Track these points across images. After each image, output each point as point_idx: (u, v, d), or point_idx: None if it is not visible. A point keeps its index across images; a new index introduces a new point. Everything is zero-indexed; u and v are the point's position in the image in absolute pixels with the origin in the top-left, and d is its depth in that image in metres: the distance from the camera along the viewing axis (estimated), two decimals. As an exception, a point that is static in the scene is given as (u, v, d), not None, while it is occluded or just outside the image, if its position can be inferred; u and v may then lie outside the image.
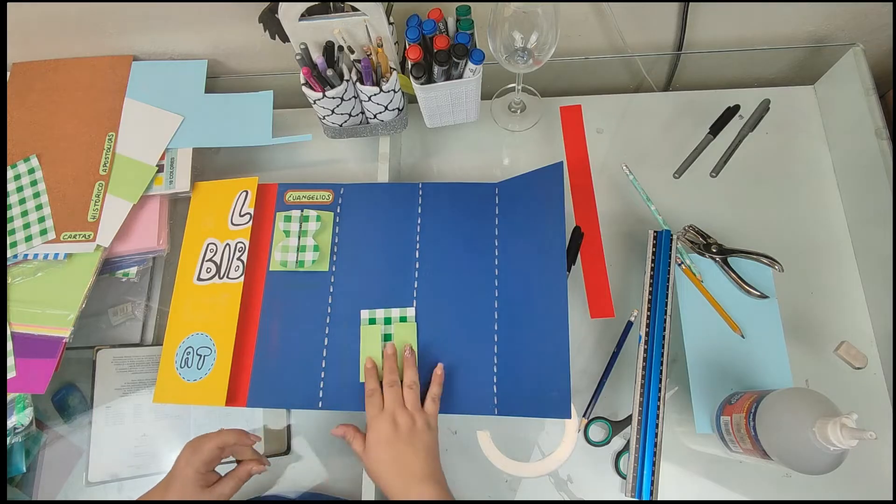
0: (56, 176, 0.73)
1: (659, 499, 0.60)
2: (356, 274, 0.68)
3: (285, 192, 0.72)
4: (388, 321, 0.65)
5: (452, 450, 0.66)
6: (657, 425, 0.61)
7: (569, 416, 0.58)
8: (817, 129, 0.76)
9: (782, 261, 0.65)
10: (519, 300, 0.64)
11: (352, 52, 0.64)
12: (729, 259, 0.67)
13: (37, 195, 0.72)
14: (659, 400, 0.61)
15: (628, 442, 0.62)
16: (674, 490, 0.62)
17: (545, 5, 0.58)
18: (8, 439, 0.64)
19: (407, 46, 0.62)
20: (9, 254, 0.69)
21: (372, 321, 0.64)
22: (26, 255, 0.69)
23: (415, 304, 0.66)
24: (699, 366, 0.64)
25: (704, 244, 0.68)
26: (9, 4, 0.71)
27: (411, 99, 0.71)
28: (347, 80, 0.65)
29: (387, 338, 0.64)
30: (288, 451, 0.67)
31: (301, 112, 0.81)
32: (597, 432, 0.65)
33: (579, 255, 0.71)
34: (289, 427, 0.68)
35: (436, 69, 0.63)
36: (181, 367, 0.65)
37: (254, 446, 0.61)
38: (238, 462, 0.62)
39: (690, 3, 0.72)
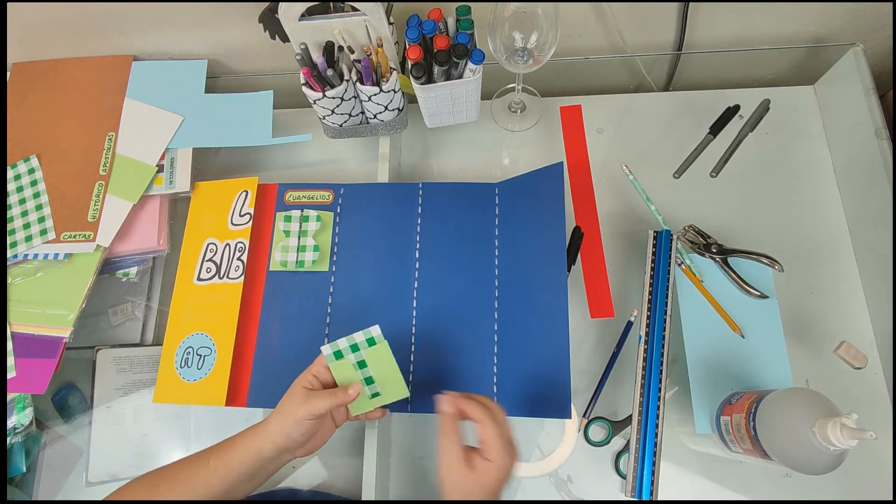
0: (56, 176, 0.73)
1: (659, 499, 0.60)
2: (356, 274, 0.68)
3: (285, 192, 0.72)
4: (354, 348, 0.55)
5: (452, 450, 0.66)
6: (657, 425, 0.61)
7: (569, 416, 0.58)
8: (817, 129, 0.76)
9: (782, 261, 0.65)
10: (519, 300, 0.64)
11: (352, 52, 0.64)
12: (729, 259, 0.67)
13: (37, 195, 0.72)
14: (659, 400, 0.61)
15: (628, 442, 0.62)
16: (674, 490, 0.62)
17: (545, 5, 0.58)
18: (8, 439, 0.64)
19: (407, 46, 0.62)
20: (9, 254, 0.69)
21: (338, 355, 0.55)
22: (26, 255, 0.69)
23: (413, 317, 0.66)
24: (699, 366, 0.64)
25: (704, 244, 0.68)
26: (9, 4, 0.71)
27: (411, 99, 0.71)
28: (347, 80, 0.65)
29: (361, 365, 0.55)
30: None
31: (301, 112, 0.81)
32: (597, 432, 0.65)
33: (579, 255, 0.71)
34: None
35: (436, 69, 0.63)
36: (181, 367, 0.65)
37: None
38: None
39: (690, 3, 0.72)
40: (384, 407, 0.57)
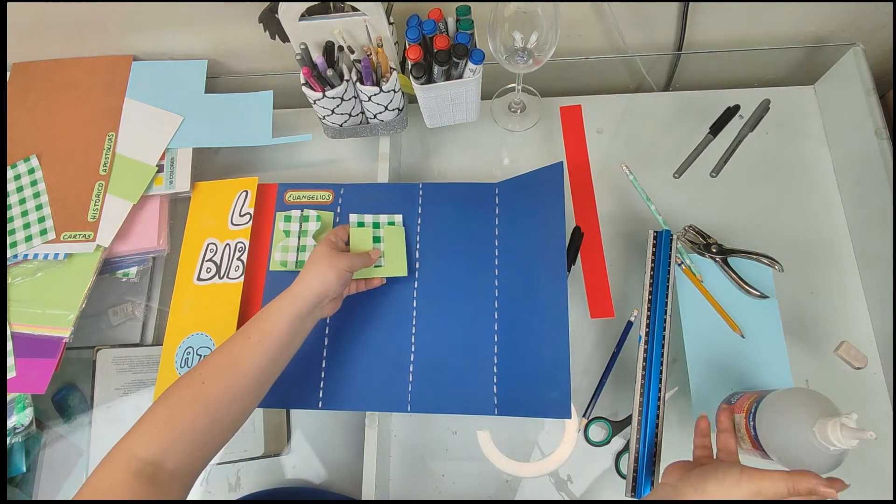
0: (56, 176, 0.73)
1: (659, 499, 0.60)
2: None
3: (285, 192, 0.72)
4: (376, 225, 0.68)
5: (452, 450, 0.66)
6: (657, 425, 0.61)
7: (569, 417, 0.58)
8: (817, 129, 0.76)
9: (782, 261, 0.65)
10: (519, 300, 0.64)
11: (352, 52, 0.64)
12: (729, 259, 0.67)
13: (37, 195, 0.72)
14: (659, 400, 0.61)
15: (628, 442, 0.62)
16: (674, 490, 0.62)
17: (545, 5, 0.58)
18: (8, 439, 0.64)
19: (407, 46, 0.62)
20: (9, 254, 0.69)
21: (360, 224, 0.67)
22: (26, 255, 0.69)
23: (413, 317, 0.66)
24: (699, 366, 0.64)
25: (704, 244, 0.68)
26: (9, 4, 0.71)
27: (411, 99, 0.71)
28: (347, 80, 0.65)
29: (376, 240, 0.66)
30: (288, 451, 0.67)
31: (301, 112, 0.81)
32: (597, 432, 0.65)
33: (579, 255, 0.71)
34: (289, 427, 0.68)
35: (436, 69, 0.63)
36: (181, 367, 0.65)
37: None
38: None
39: (690, 3, 0.72)
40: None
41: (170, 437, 0.47)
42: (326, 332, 0.66)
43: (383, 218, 0.68)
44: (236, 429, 0.52)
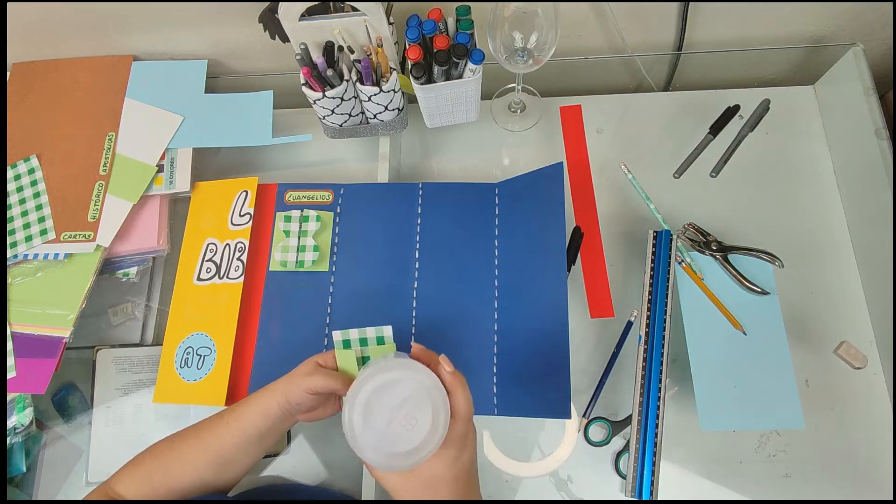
0: (56, 176, 0.73)
1: (659, 499, 0.60)
2: (356, 274, 0.68)
3: (285, 192, 0.73)
4: (363, 342, 0.55)
5: (452, 450, 0.66)
6: (657, 425, 0.61)
7: (569, 417, 0.58)
8: (817, 129, 0.76)
9: (782, 260, 0.65)
10: (519, 300, 0.64)
11: (352, 52, 0.64)
12: (729, 256, 0.67)
13: (37, 195, 0.72)
14: (659, 400, 0.61)
15: (628, 442, 0.62)
16: (674, 490, 0.62)
17: (545, 5, 0.58)
18: (8, 439, 0.64)
19: (407, 46, 0.62)
20: (9, 254, 0.69)
21: (346, 344, 0.55)
22: (26, 255, 0.69)
23: (413, 317, 0.66)
24: (702, 363, 0.64)
25: (704, 241, 0.68)
26: (9, 4, 0.71)
27: (411, 99, 0.71)
28: (347, 80, 0.65)
29: (363, 361, 0.55)
30: (288, 451, 0.67)
31: (301, 112, 0.81)
32: (597, 432, 0.65)
33: (579, 255, 0.71)
34: (289, 427, 0.68)
35: (436, 69, 0.63)
36: (181, 367, 0.65)
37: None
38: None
39: (690, 3, 0.72)
40: None
41: (131, 475, 0.54)
42: (326, 332, 0.66)
43: (371, 332, 0.55)
44: (190, 494, 0.53)
